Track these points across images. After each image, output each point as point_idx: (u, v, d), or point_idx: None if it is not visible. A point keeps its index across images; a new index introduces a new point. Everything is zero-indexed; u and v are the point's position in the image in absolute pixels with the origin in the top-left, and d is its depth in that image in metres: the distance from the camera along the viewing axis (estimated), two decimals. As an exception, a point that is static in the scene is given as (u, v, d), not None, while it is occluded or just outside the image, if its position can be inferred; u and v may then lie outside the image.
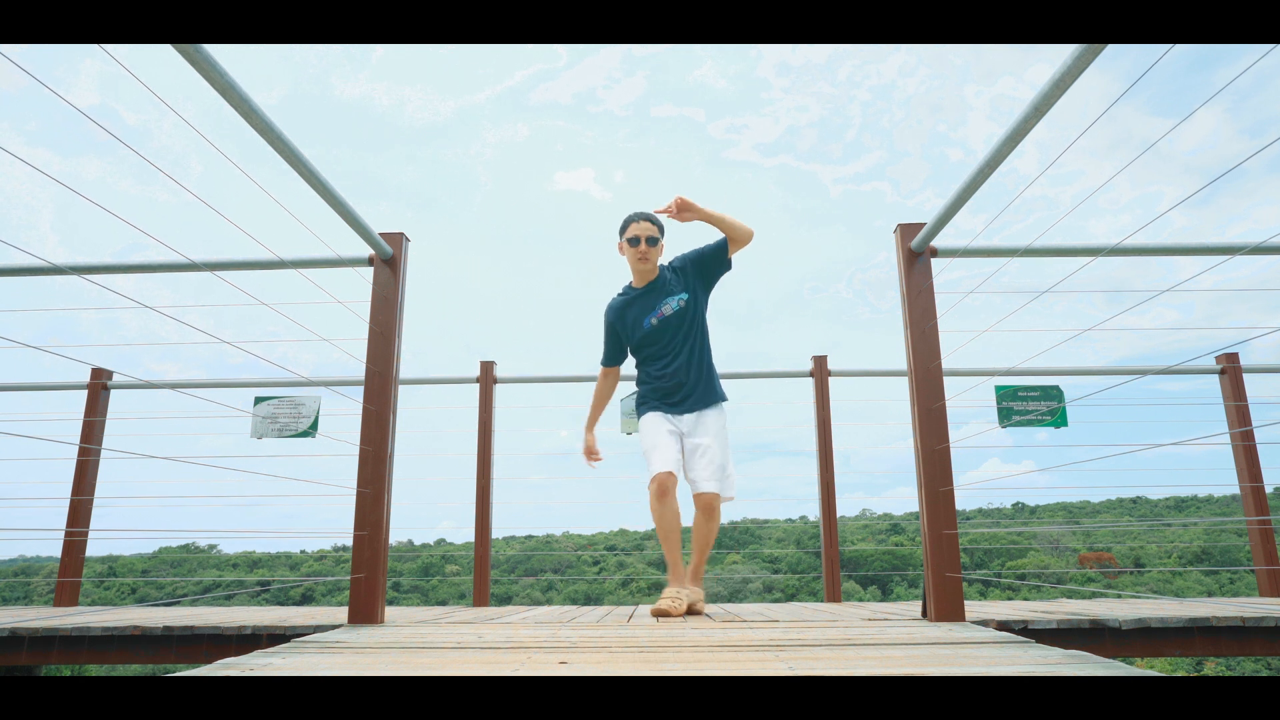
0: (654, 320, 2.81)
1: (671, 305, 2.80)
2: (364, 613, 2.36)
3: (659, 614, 2.55)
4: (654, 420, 2.81)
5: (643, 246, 2.76)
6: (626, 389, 4.05)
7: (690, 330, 2.82)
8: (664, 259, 2.92)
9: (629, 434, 4.00)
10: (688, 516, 2.78)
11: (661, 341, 2.82)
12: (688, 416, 2.80)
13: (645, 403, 2.88)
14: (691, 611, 2.71)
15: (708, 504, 2.73)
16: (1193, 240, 2.62)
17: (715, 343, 2.93)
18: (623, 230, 2.82)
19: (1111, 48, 1.54)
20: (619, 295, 2.94)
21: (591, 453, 3.02)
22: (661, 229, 2.82)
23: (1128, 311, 2.10)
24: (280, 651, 1.66)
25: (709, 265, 2.84)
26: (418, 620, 2.50)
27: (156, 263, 2.67)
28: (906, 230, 2.51)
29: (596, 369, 3.11)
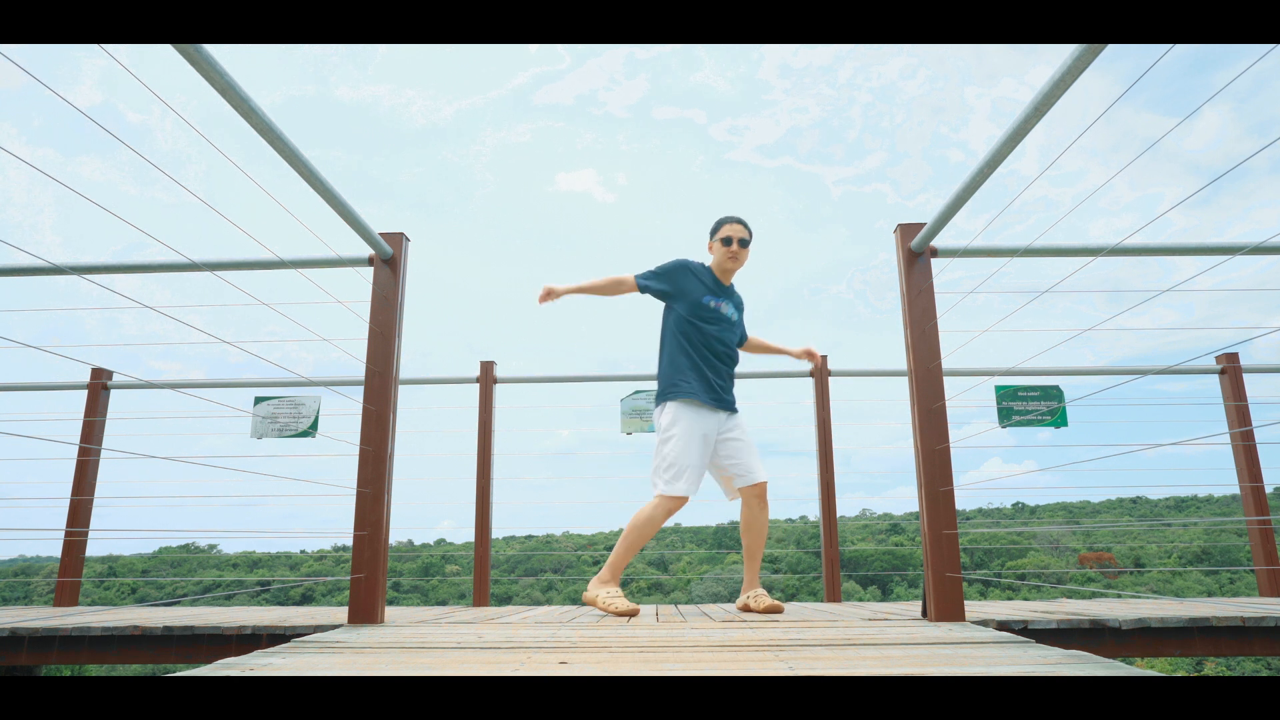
0: (714, 303, 2.84)
1: (729, 309, 2.89)
2: (364, 613, 2.36)
3: (629, 614, 2.60)
4: (695, 422, 2.69)
5: (735, 247, 2.85)
6: (626, 389, 4.05)
7: (736, 337, 2.92)
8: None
9: (628, 434, 4.00)
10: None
11: (719, 324, 2.85)
12: (722, 414, 2.79)
13: (688, 382, 2.72)
14: (774, 610, 2.66)
15: (764, 492, 2.77)
16: (1193, 240, 2.62)
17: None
18: (715, 230, 2.89)
19: (1111, 48, 1.54)
20: (701, 265, 2.91)
21: (550, 295, 2.82)
22: (751, 235, 2.90)
23: (1128, 311, 2.10)
24: (280, 651, 1.66)
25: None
26: (418, 620, 2.50)
27: (157, 263, 2.67)
28: (906, 230, 2.51)
29: (596, 368, 3.13)
